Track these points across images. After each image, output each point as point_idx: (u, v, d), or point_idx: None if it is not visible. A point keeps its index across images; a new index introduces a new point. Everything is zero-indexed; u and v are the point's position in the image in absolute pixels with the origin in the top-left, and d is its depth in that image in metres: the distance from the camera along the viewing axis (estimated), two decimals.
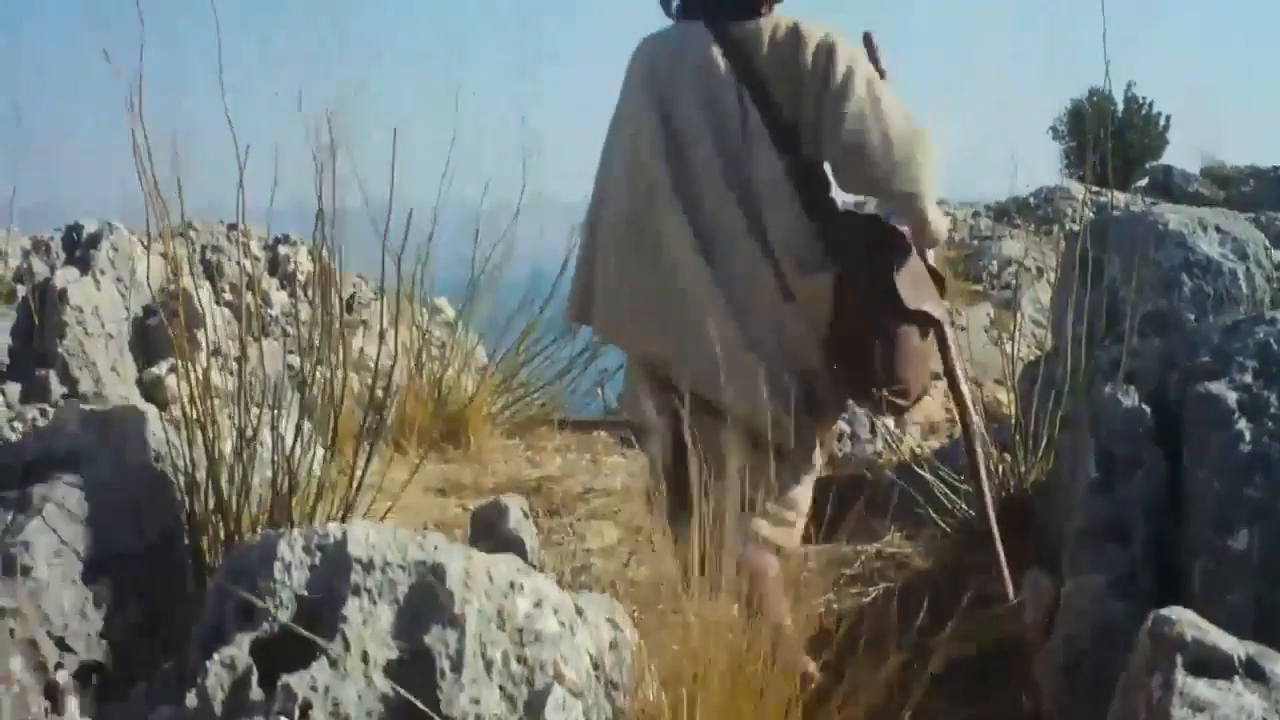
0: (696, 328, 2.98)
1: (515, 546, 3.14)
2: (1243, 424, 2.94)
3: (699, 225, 3.07)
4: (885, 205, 3.28)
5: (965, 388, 3.47)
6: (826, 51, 3.06)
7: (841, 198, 3.22)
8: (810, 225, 3.08)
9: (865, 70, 3.09)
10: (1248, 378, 3.08)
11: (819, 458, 3.29)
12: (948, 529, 4.07)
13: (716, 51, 3.11)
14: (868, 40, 3.32)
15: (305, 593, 2.05)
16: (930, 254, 3.31)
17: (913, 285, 3.09)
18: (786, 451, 2.96)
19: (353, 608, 2.00)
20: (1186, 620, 2.29)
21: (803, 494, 3.24)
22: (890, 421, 5.77)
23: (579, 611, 2.23)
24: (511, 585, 2.11)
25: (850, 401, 3.40)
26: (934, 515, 4.12)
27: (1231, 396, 3.01)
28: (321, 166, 3.43)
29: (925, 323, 3.16)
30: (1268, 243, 4.64)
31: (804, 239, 3.07)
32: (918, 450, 5.32)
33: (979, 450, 3.55)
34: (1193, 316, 4.44)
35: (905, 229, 3.16)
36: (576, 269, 3.44)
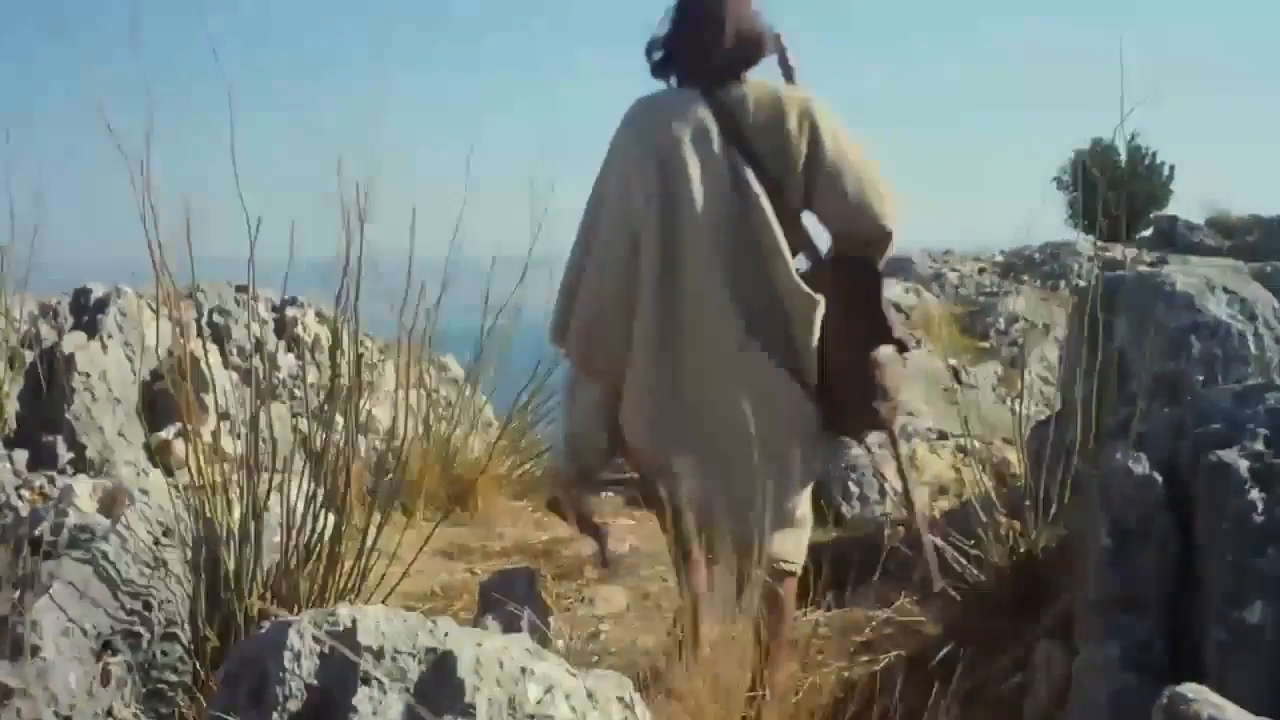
0: (642, 389, 3.39)
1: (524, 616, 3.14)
2: (1255, 493, 2.91)
3: (680, 283, 3.36)
4: (868, 250, 3.50)
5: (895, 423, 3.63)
6: (810, 118, 3.37)
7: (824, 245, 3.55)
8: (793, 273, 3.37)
9: (845, 132, 3.42)
10: (1259, 445, 3.06)
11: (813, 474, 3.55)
12: (958, 596, 4.04)
13: (708, 115, 3.40)
14: (777, 39, 3.58)
15: (315, 682, 2.03)
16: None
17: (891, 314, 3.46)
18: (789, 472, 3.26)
19: (363, 697, 1.99)
20: (1204, 699, 2.27)
21: (804, 509, 3.50)
22: (899, 484, 5.75)
23: (590, 695, 2.21)
24: (523, 671, 2.09)
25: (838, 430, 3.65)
26: (943, 581, 4.09)
27: (1243, 465, 2.99)
28: (348, 241, 3.50)
29: (902, 346, 3.47)
30: (1276, 303, 4.64)
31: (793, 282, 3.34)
32: (927, 512, 5.30)
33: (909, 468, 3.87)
34: (1202, 378, 4.44)
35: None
36: (561, 294, 3.62)
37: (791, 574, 3.44)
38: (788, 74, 3.61)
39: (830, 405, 3.39)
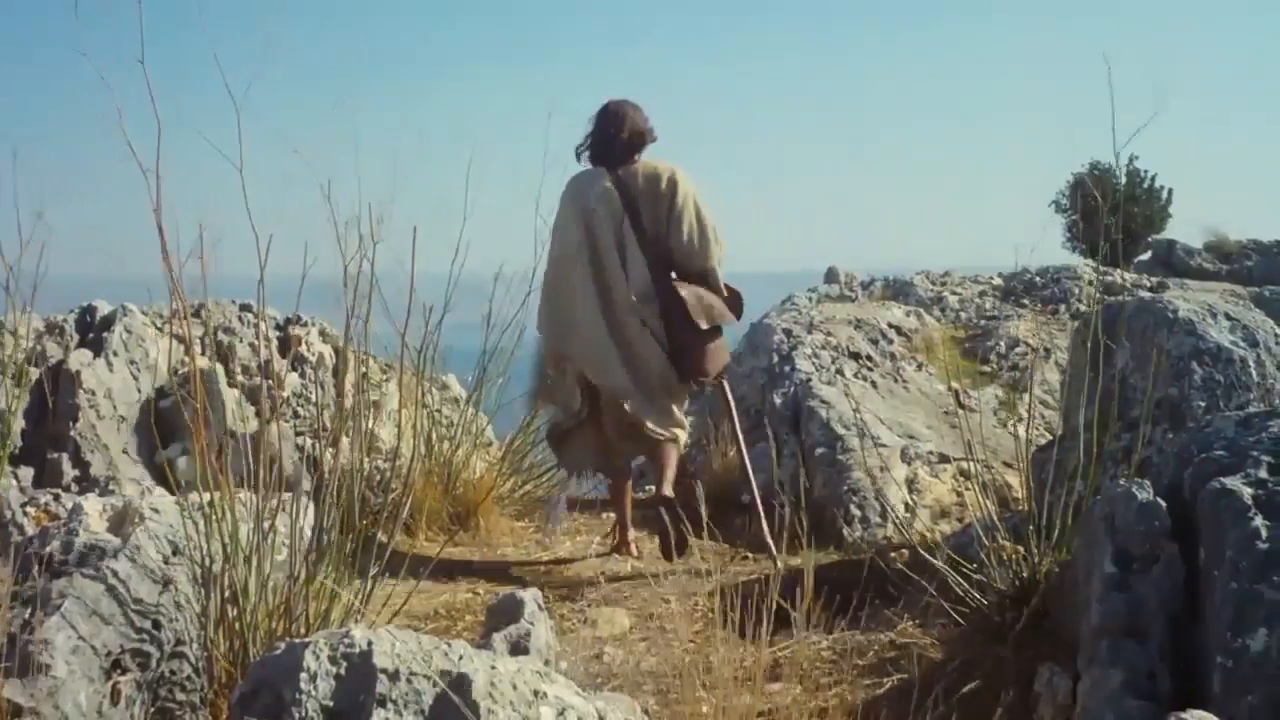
0: (589, 345, 5.55)
1: (531, 641, 3.15)
2: (1259, 521, 2.92)
3: (600, 283, 5.52)
4: (703, 275, 5.66)
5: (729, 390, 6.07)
6: (673, 185, 5.56)
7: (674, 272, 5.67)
8: (652, 283, 5.53)
9: (693, 193, 5.61)
10: (1263, 473, 3.08)
11: (684, 403, 5.86)
12: (961, 620, 4.04)
13: (610, 185, 5.59)
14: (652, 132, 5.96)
15: (330, 703, 2.05)
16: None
17: (704, 314, 5.54)
18: (668, 396, 5.68)
19: (378, 719, 2.00)
20: None
21: (679, 416, 5.74)
22: (901, 506, 5.77)
23: (600, 718, 2.22)
24: (535, 694, 2.11)
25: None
26: (945, 605, 4.09)
27: (1247, 492, 3.00)
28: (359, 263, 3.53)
29: (716, 332, 5.65)
30: (1278, 330, 4.66)
31: (647, 288, 5.52)
32: (928, 534, 5.31)
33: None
34: (1203, 404, 4.45)
35: (692, 285, 5.61)
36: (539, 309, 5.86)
37: (669, 440, 5.64)
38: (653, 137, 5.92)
39: (677, 364, 5.55)
